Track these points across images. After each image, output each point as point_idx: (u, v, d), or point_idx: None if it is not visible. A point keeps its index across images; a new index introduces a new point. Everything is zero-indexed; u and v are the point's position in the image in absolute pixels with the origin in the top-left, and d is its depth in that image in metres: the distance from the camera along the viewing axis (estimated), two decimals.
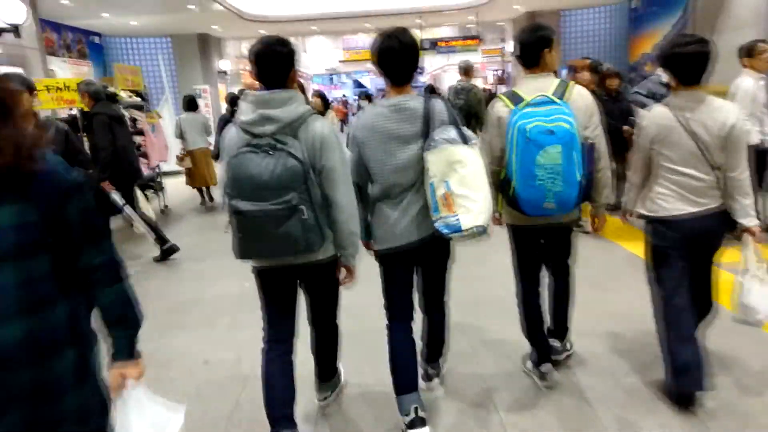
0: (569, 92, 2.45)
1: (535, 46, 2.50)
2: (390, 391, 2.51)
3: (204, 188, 8.54)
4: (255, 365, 2.43)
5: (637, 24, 15.08)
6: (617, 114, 5.91)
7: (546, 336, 2.90)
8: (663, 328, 2.62)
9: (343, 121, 23.02)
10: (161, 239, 5.61)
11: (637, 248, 3.94)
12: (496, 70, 26.43)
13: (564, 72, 8.23)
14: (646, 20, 14.57)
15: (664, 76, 5.53)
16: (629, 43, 15.61)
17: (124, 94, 7.46)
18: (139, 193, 5.87)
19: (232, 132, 2.16)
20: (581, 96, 2.50)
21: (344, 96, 38.82)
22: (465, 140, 2.18)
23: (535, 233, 2.74)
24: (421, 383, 2.73)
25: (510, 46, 18.54)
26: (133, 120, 7.70)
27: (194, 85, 15.93)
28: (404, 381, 2.46)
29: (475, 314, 3.77)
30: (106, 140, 4.77)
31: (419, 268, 2.55)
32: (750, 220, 2.47)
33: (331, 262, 2.30)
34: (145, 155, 7.92)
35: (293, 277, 2.33)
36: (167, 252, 5.61)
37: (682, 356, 2.53)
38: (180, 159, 8.19)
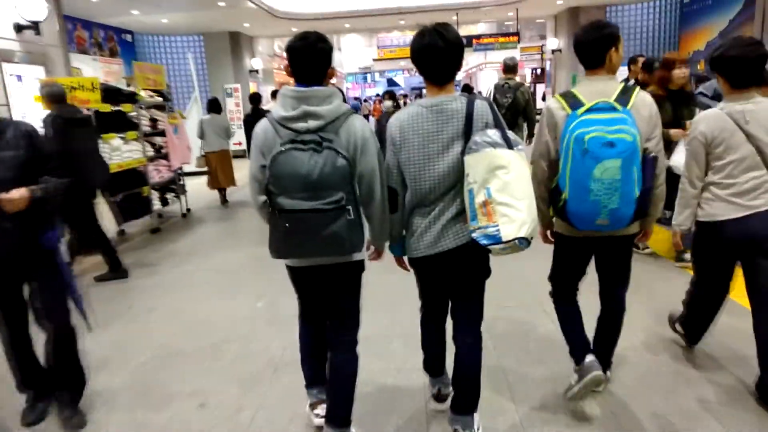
0: (634, 99, 2.26)
1: (600, 45, 2.30)
2: None
3: (223, 189, 8.66)
4: (258, 414, 2.19)
5: (689, 19, 14.21)
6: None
7: (584, 335, 2.65)
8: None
9: (379, 120, 22.64)
10: (114, 261, 5.15)
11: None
12: (535, 68, 25.57)
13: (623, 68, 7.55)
14: (699, 15, 13.70)
15: None
16: (680, 39, 14.71)
17: (144, 94, 7.13)
18: (103, 205, 5.49)
19: (266, 127, 2.10)
20: (645, 104, 2.30)
21: (378, 95, 38.41)
22: (509, 144, 2.00)
23: (586, 245, 2.51)
24: None
25: (551, 44, 17.73)
26: (154, 121, 7.38)
27: (225, 83, 15.79)
28: (430, 364, 2.64)
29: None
30: (58, 146, 4.34)
31: (450, 282, 2.34)
32: None
33: (360, 263, 2.29)
34: (166, 157, 7.60)
35: (326, 275, 2.26)
36: (115, 274, 5.13)
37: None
38: (198, 161, 8.37)
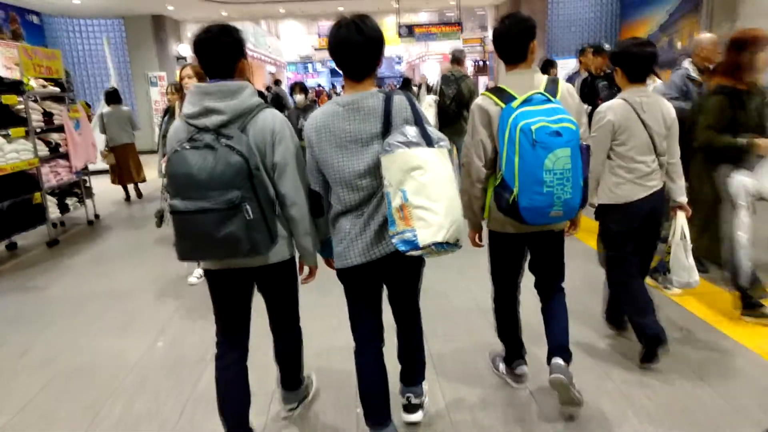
0: (560, 89, 2.32)
1: (522, 38, 2.29)
2: None
3: (132, 185, 8.41)
4: None
5: (629, 11, 14.18)
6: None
7: (520, 336, 2.76)
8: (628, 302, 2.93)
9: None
10: None
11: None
12: (476, 60, 25.35)
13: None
14: (639, 6, 13.67)
15: (691, 69, 4.58)
16: (621, 30, 14.66)
17: (34, 83, 6.08)
18: None
19: (177, 126, 2.05)
20: (571, 94, 2.37)
21: (319, 85, 37.36)
22: (429, 141, 1.91)
23: (521, 241, 2.51)
24: (405, 416, 2.49)
25: (492, 34, 17.40)
26: (48, 115, 6.35)
27: (149, 71, 14.54)
28: (374, 411, 2.28)
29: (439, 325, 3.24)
30: None
31: (386, 284, 2.30)
32: (684, 198, 2.89)
33: (285, 264, 2.21)
34: (66, 156, 6.58)
35: (245, 280, 2.20)
36: None
37: (648, 324, 2.81)
38: (104, 156, 7.88)
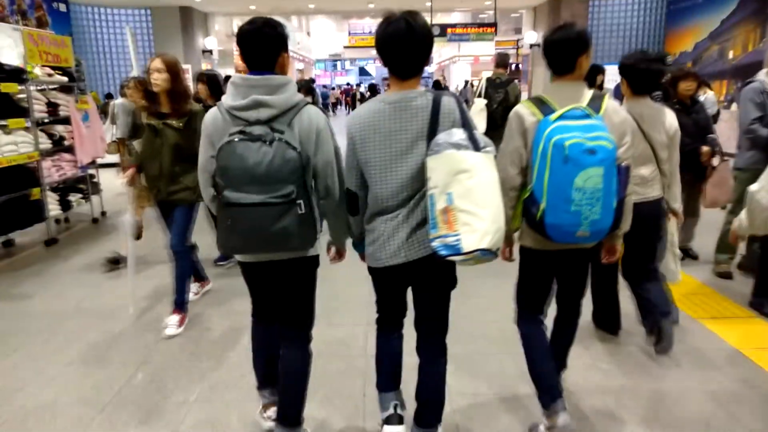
0: (605, 105, 2.18)
1: (572, 50, 2.18)
2: None
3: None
4: None
5: (676, 17, 13.37)
6: (692, 129, 4.35)
7: (556, 372, 2.47)
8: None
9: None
10: None
11: None
12: (510, 64, 24.65)
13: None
14: (687, 13, 12.86)
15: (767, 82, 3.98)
16: (665, 38, 13.87)
17: (39, 71, 5.69)
18: None
19: (216, 116, 2.02)
20: (616, 112, 2.23)
21: (348, 84, 36.95)
22: (476, 146, 1.86)
23: (555, 259, 2.36)
24: None
25: (528, 37, 16.71)
26: (54, 106, 5.96)
27: None
28: (385, 378, 2.36)
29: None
30: None
31: (413, 291, 2.22)
32: (677, 205, 3.08)
33: (315, 259, 2.21)
34: (71, 150, 6.20)
35: (281, 272, 2.17)
36: None
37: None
38: (110, 148, 7.04)
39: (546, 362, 2.39)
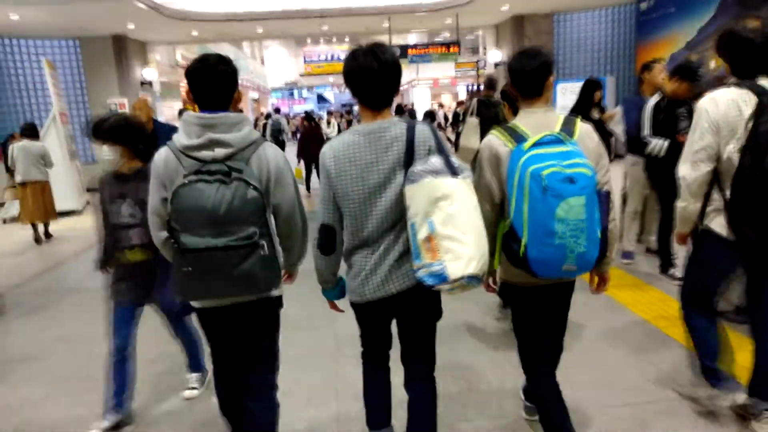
0: (577, 129, 2.11)
1: (538, 73, 2.15)
2: None
3: (41, 224, 7.83)
4: None
5: (648, 29, 12.73)
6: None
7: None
8: None
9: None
10: None
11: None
12: (470, 85, 23.97)
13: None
14: (659, 24, 12.23)
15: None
16: (637, 51, 13.22)
17: None
18: None
19: (167, 157, 1.95)
20: (589, 135, 2.15)
21: (309, 112, 35.90)
22: (454, 171, 1.86)
23: (540, 294, 2.24)
24: None
25: (492, 56, 15.90)
26: None
27: (109, 98, 12.78)
28: (375, 415, 2.29)
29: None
30: None
31: (398, 324, 2.18)
32: None
33: (278, 300, 2.16)
34: None
35: (242, 315, 2.10)
36: None
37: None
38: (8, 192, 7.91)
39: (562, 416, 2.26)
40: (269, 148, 1.99)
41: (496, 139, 2.13)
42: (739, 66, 2.43)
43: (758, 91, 2.31)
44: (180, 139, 1.92)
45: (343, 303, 2.21)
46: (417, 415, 2.16)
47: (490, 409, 2.85)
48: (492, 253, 2.14)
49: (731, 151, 2.34)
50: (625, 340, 3.52)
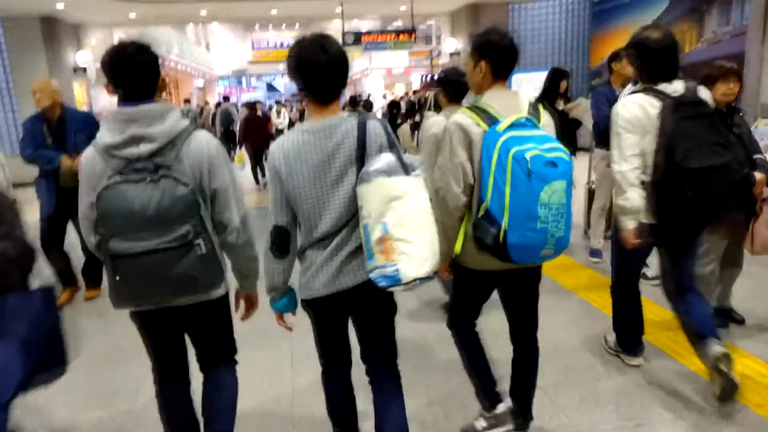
0: (543, 114, 2.17)
1: (513, 52, 2.16)
2: None
3: None
4: None
5: (601, 20, 12.73)
6: (739, 149, 3.28)
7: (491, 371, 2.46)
8: None
9: None
10: None
11: None
12: (425, 75, 23.72)
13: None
14: (614, 14, 12.25)
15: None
16: (591, 42, 13.22)
17: None
18: None
19: (92, 157, 1.86)
20: (551, 119, 2.20)
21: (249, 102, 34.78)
22: (406, 169, 1.83)
23: (495, 278, 2.30)
24: None
25: (448, 45, 15.63)
26: None
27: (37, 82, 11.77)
28: (341, 421, 2.24)
29: None
30: None
31: (355, 324, 2.15)
32: None
33: (224, 299, 2.09)
34: None
35: (182, 317, 2.03)
36: None
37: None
38: None
39: (484, 362, 2.43)
40: (200, 136, 1.91)
41: (466, 119, 2.10)
42: (646, 72, 2.71)
43: (661, 97, 2.61)
44: (103, 137, 1.83)
45: (297, 320, 2.16)
46: (387, 415, 2.12)
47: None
48: (453, 240, 2.18)
49: (646, 148, 2.64)
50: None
